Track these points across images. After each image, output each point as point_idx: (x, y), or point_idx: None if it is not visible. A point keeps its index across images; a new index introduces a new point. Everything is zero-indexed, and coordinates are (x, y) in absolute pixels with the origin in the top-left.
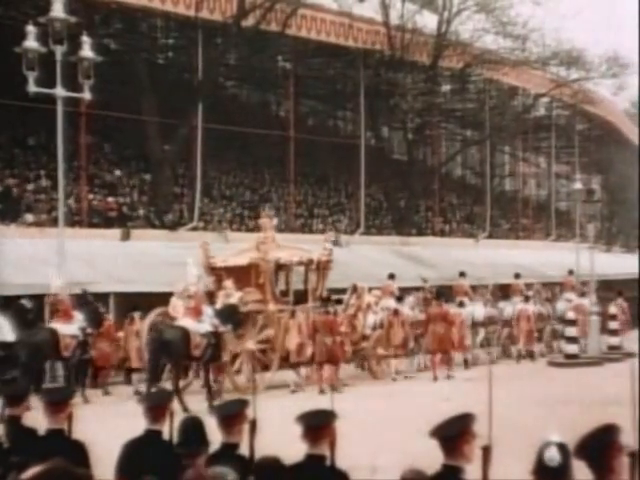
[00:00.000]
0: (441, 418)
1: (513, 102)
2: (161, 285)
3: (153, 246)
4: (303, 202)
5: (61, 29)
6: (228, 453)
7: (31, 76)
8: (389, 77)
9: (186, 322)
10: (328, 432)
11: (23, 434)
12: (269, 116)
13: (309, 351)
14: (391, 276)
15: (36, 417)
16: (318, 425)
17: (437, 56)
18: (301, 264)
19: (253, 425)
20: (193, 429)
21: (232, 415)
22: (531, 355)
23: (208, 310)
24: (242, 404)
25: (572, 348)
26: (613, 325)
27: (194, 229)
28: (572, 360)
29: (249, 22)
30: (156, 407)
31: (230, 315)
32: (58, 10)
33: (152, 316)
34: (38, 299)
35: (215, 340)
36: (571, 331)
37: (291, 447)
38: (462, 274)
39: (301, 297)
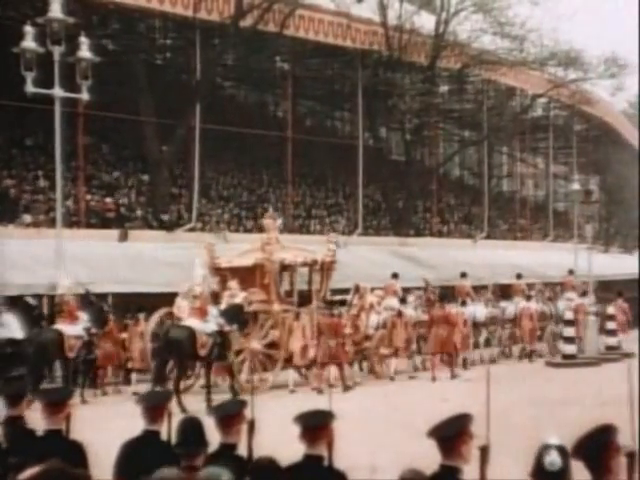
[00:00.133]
0: (439, 418)
1: (511, 103)
2: (159, 286)
3: (151, 247)
4: (301, 203)
5: (59, 30)
6: (226, 453)
7: (29, 76)
8: (387, 78)
9: (192, 322)
10: (326, 432)
11: (21, 434)
12: (267, 117)
13: (312, 353)
14: (394, 275)
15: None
16: (316, 425)
17: (435, 57)
18: (305, 265)
19: (251, 425)
20: (192, 429)
21: (230, 415)
22: (531, 355)
23: (213, 310)
24: (240, 404)
25: (570, 348)
26: (611, 325)
27: (192, 230)
28: (570, 360)
29: (247, 22)
30: (154, 407)
31: (235, 315)
32: (56, 11)
33: (156, 317)
34: (37, 299)
35: (221, 339)
36: (569, 331)
37: (292, 447)
38: (463, 275)
39: (305, 298)
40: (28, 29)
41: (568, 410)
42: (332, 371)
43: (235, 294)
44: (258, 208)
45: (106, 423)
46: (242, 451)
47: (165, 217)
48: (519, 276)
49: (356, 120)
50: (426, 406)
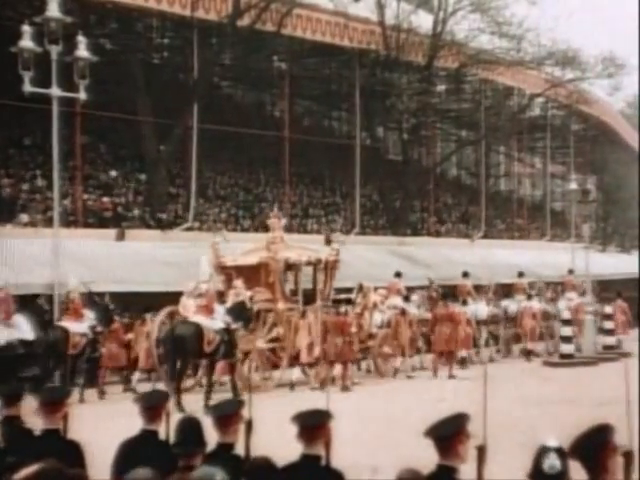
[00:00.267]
0: (436, 418)
1: (508, 102)
2: (156, 285)
3: (148, 246)
4: (298, 202)
5: (56, 29)
6: (224, 453)
7: (27, 76)
8: (384, 77)
9: (199, 319)
10: (323, 432)
11: (19, 434)
12: (264, 116)
13: (318, 351)
14: (398, 274)
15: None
16: (313, 425)
17: (432, 56)
18: (310, 264)
19: (249, 425)
20: (190, 429)
21: (227, 415)
22: (530, 354)
23: (220, 308)
24: (238, 404)
25: (567, 348)
26: (608, 325)
27: (189, 229)
28: (567, 360)
29: (244, 22)
30: (152, 407)
31: (240, 312)
32: (54, 10)
33: (162, 315)
34: (43, 299)
35: (228, 337)
36: (566, 331)
37: (294, 445)
38: (465, 274)
39: (309, 297)
40: (26, 28)
41: (565, 410)
42: (337, 369)
43: (240, 293)
44: (255, 207)
45: (110, 421)
46: (240, 451)
47: (162, 216)
48: (521, 275)
49: (353, 120)
50: (424, 405)
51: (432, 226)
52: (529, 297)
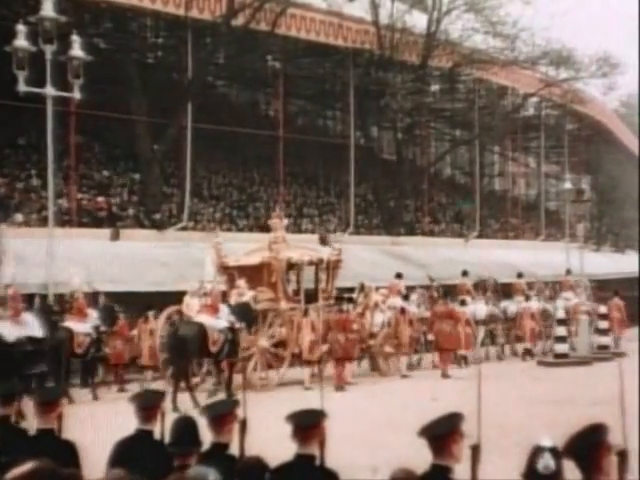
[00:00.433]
0: (431, 417)
1: (502, 102)
2: (151, 285)
3: (142, 246)
4: (292, 202)
5: (51, 28)
6: (218, 453)
7: (21, 75)
8: (378, 77)
9: (203, 318)
10: (318, 432)
11: (13, 434)
12: (258, 116)
13: (322, 349)
14: (398, 275)
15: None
16: (307, 425)
17: (426, 56)
18: (312, 264)
19: (243, 425)
20: (186, 429)
21: (222, 415)
22: (527, 353)
23: (224, 307)
24: (232, 404)
25: (562, 347)
26: (603, 325)
27: (184, 229)
28: (561, 359)
29: (239, 21)
30: (147, 407)
31: (244, 313)
32: (48, 9)
33: (166, 314)
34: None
35: (232, 336)
36: (561, 330)
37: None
38: (465, 273)
39: (311, 296)
40: (20, 28)
41: (559, 409)
42: (336, 368)
43: (243, 292)
44: (250, 207)
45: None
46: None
47: (157, 216)
48: (520, 275)
49: (348, 119)
50: (419, 404)
51: (426, 226)
52: (527, 298)
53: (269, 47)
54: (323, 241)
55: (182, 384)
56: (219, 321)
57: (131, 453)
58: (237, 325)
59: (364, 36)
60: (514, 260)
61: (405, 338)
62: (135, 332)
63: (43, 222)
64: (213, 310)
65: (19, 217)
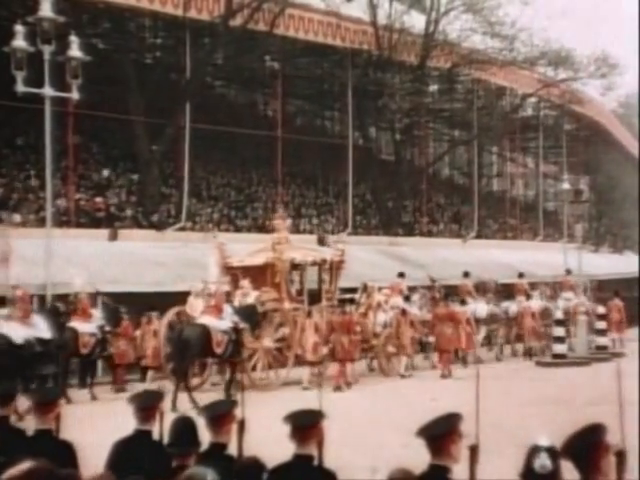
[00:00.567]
0: (430, 417)
1: (501, 102)
2: (149, 285)
3: (141, 246)
4: (291, 202)
5: (49, 29)
6: (216, 453)
7: (19, 76)
8: (377, 77)
9: (207, 320)
10: (316, 432)
11: (11, 434)
12: (257, 116)
13: (324, 350)
14: (401, 275)
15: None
16: (306, 425)
17: (425, 56)
18: (315, 264)
19: (242, 425)
20: (185, 429)
21: (220, 415)
22: (530, 353)
23: (228, 308)
24: (230, 404)
25: (560, 348)
26: (601, 325)
27: (182, 229)
28: (560, 360)
29: (237, 22)
30: (146, 408)
31: (249, 315)
32: (46, 10)
33: (170, 315)
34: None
35: (236, 336)
36: (559, 331)
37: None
38: (466, 274)
39: (315, 297)
40: (18, 28)
41: (557, 409)
42: (336, 368)
43: (247, 293)
44: (248, 207)
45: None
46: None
47: (155, 217)
48: (521, 275)
49: (346, 119)
50: (418, 405)
51: (424, 226)
52: (529, 297)
53: (267, 47)
54: (321, 241)
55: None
56: (223, 322)
57: (130, 453)
58: (241, 325)
59: (362, 36)
60: (512, 260)
61: (406, 339)
62: (138, 333)
63: (41, 222)
64: (217, 311)
65: (17, 217)
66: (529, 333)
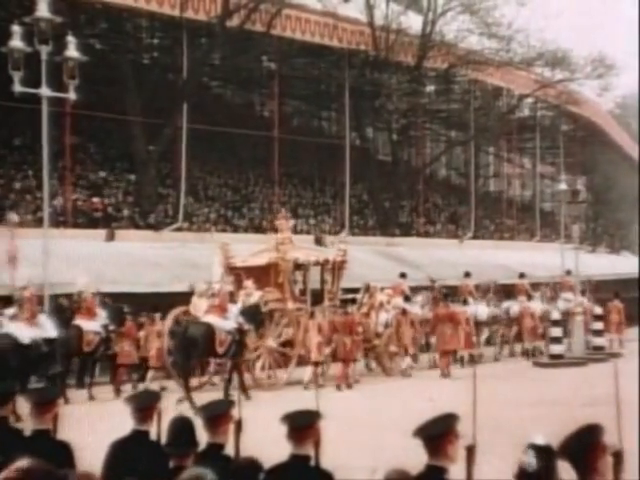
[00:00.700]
0: (427, 417)
1: (498, 103)
2: (146, 285)
3: (138, 246)
4: (287, 202)
5: (46, 29)
6: (213, 453)
7: (17, 76)
8: (374, 77)
9: (211, 319)
10: (312, 432)
11: (8, 434)
12: (254, 116)
13: (328, 350)
14: (403, 275)
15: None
16: (302, 425)
17: (422, 57)
18: (318, 264)
19: (239, 425)
20: (183, 429)
21: (218, 415)
22: (528, 353)
23: (233, 308)
24: (228, 404)
25: (557, 348)
26: (597, 326)
27: (179, 229)
28: (557, 360)
29: (234, 22)
30: (144, 408)
31: (254, 315)
32: (43, 10)
33: (173, 315)
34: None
35: (239, 337)
36: (556, 331)
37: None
38: (467, 274)
39: (317, 297)
40: (16, 28)
41: (554, 410)
42: (339, 368)
43: (251, 293)
44: (245, 208)
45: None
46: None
47: (152, 217)
48: (522, 275)
49: (343, 120)
50: (415, 405)
51: (421, 227)
52: (530, 298)
53: (264, 48)
54: (319, 242)
55: (185, 380)
56: (227, 322)
57: (127, 454)
58: (246, 327)
59: (359, 37)
60: (509, 261)
61: (407, 339)
62: (142, 333)
63: (38, 223)
64: (221, 310)
65: (15, 217)
66: (529, 333)
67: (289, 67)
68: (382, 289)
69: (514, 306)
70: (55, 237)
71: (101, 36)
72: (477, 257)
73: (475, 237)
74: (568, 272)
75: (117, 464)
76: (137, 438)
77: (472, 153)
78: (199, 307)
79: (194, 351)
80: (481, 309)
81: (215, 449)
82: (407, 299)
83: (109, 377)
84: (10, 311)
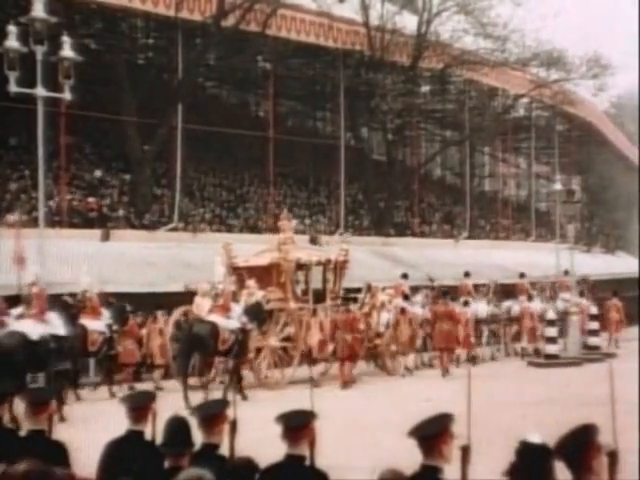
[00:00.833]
0: (421, 417)
1: (493, 103)
2: (141, 285)
3: (133, 246)
4: (282, 202)
5: (42, 29)
6: (208, 453)
7: (12, 76)
8: (369, 78)
9: (215, 318)
10: (307, 432)
11: (3, 434)
12: (249, 116)
13: (330, 348)
14: (404, 276)
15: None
16: (297, 425)
17: (417, 57)
18: (320, 264)
19: (233, 425)
20: (178, 429)
21: (212, 415)
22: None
23: (236, 307)
24: (223, 404)
25: (552, 348)
26: (593, 325)
27: (174, 229)
28: (552, 360)
29: (229, 22)
30: (138, 408)
31: (256, 313)
32: (39, 10)
33: (176, 314)
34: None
35: (242, 337)
36: (551, 331)
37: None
38: (467, 274)
39: (319, 296)
40: (11, 28)
41: (549, 410)
42: (339, 367)
43: (253, 293)
44: (240, 208)
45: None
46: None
47: (147, 217)
48: (522, 275)
49: (338, 120)
50: (412, 405)
51: (416, 226)
52: (530, 298)
53: (259, 48)
54: (314, 242)
55: (183, 379)
56: (230, 321)
57: (122, 454)
58: (249, 326)
59: (354, 37)
60: (505, 261)
61: (405, 338)
62: (144, 332)
63: (34, 222)
64: (224, 310)
65: (11, 218)
66: (527, 333)
67: (284, 67)
68: (383, 289)
69: (515, 306)
70: (50, 237)
71: (96, 36)
72: (472, 257)
73: (470, 237)
74: (566, 272)
75: (112, 464)
76: (132, 438)
77: (467, 153)
78: (202, 307)
79: (199, 349)
80: (481, 307)
81: (210, 449)
82: (406, 298)
83: (103, 377)
84: (17, 310)
